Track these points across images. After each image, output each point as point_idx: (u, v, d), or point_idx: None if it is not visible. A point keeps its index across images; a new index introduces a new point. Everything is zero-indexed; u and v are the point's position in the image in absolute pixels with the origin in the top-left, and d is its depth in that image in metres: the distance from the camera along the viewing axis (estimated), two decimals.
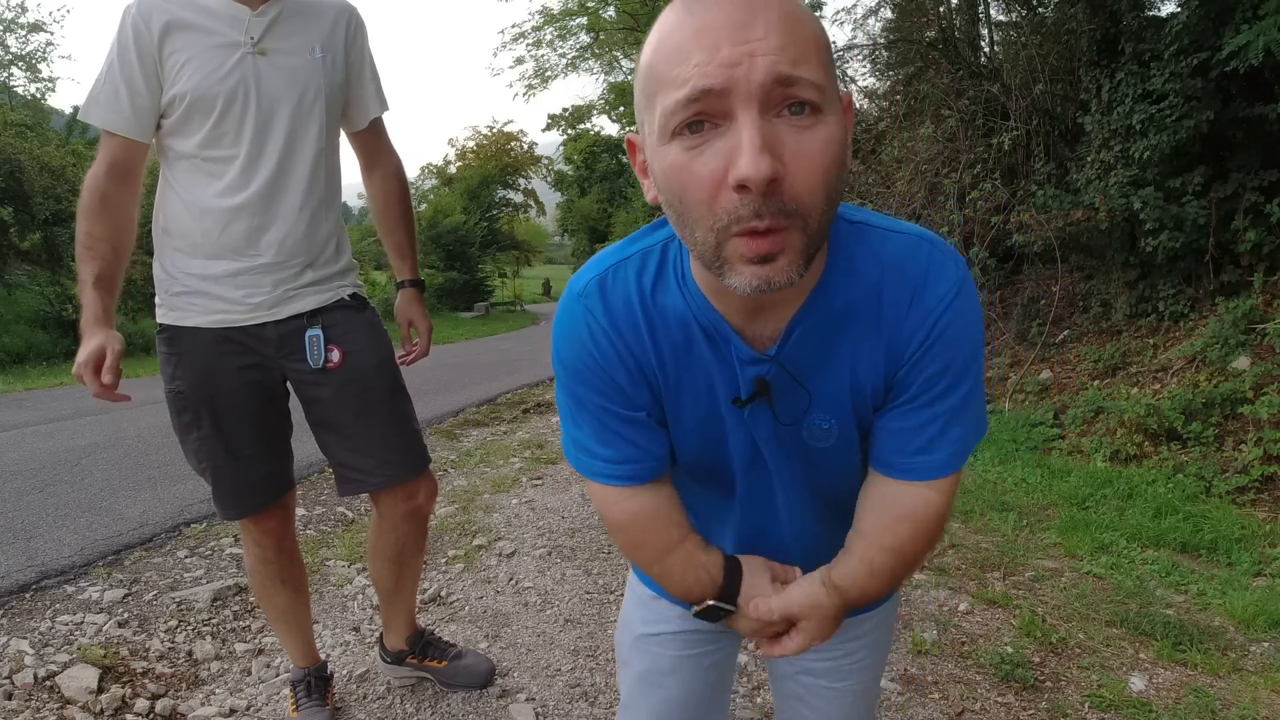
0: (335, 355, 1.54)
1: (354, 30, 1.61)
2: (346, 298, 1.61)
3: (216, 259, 1.48)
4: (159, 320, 1.55)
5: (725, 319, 0.72)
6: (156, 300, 1.56)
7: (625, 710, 1.06)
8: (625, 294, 0.74)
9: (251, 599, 2.45)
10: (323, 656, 1.95)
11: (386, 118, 1.76)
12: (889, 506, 0.77)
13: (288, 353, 1.54)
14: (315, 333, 1.53)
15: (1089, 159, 5.72)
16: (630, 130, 0.70)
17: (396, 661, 1.94)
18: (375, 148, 1.74)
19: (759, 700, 1.96)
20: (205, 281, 1.49)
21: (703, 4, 0.59)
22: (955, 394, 0.72)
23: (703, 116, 0.58)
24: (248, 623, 2.37)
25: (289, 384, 1.61)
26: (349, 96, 1.65)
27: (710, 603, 0.80)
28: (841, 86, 0.65)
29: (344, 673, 2.06)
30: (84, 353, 1.37)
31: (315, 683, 1.80)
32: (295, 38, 1.50)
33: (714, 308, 0.72)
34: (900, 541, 0.76)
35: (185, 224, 1.48)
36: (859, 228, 0.72)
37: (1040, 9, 7.43)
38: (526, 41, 21.58)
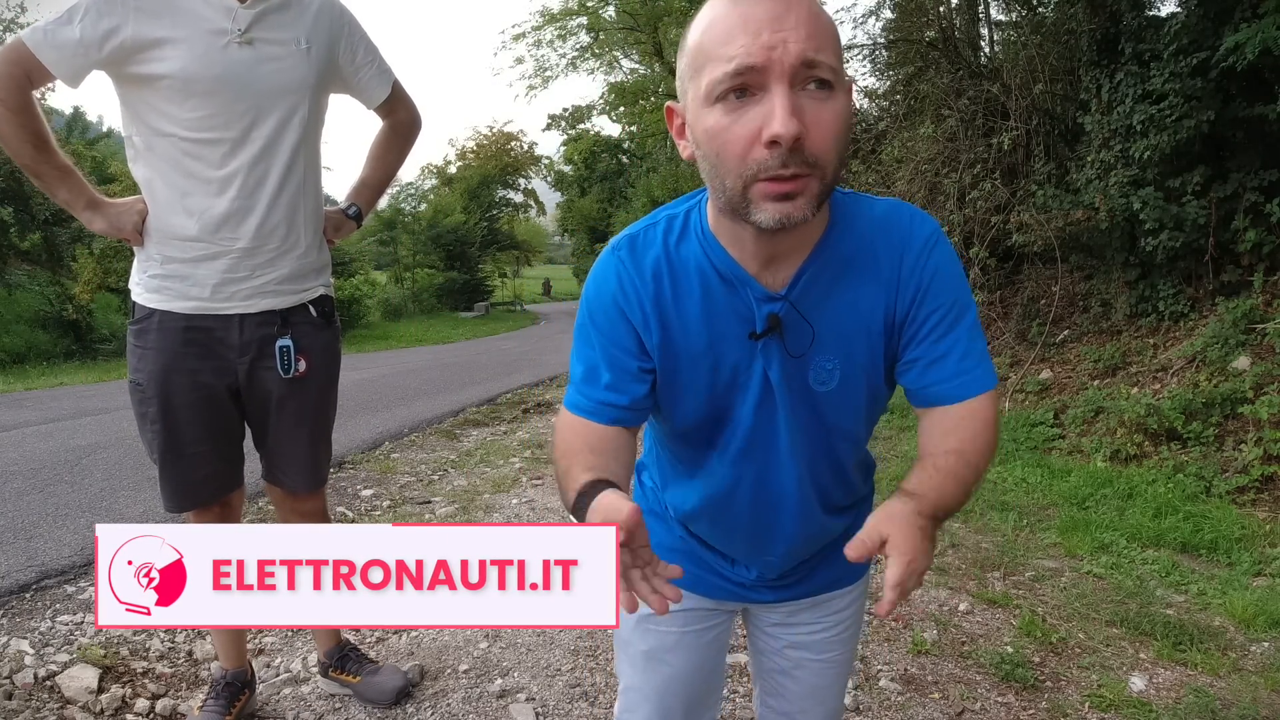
0: (303, 365, 1.61)
1: (338, 19, 1.62)
2: (313, 312, 1.64)
3: (198, 241, 1.50)
4: (134, 300, 1.56)
5: (742, 266, 0.84)
6: (133, 282, 1.56)
7: (628, 691, 1.10)
8: (652, 248, 0.89)
9: None
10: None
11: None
12: (943, 422, 0.86)
13: (254, 356, 1.58)
14: (286, 343, 1.58)
15: (1089, 159, 5.72)
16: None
17: (322, 673, 1.97)
18: (392, 110, 1.77)
19: None
20: (185, 265, 1.51)
21: None
22: (967, 317, 0.86)
23: (744, 87, 0.72)
24: None
25: (241, 385, 1.62)
26: (350, 83, 1.67)
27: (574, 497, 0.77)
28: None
29: None
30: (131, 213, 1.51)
31: (225, 689, 1.79)
32: (281, 30, 1.52)
33: (732, 257, 0.85)
34: (962, 442, 0.84)
35: (169, 205, 1.49)
36: (853, 195, 0.90)
37: (1040, 9, 7.42)
38: (527, 42, 21.56)
